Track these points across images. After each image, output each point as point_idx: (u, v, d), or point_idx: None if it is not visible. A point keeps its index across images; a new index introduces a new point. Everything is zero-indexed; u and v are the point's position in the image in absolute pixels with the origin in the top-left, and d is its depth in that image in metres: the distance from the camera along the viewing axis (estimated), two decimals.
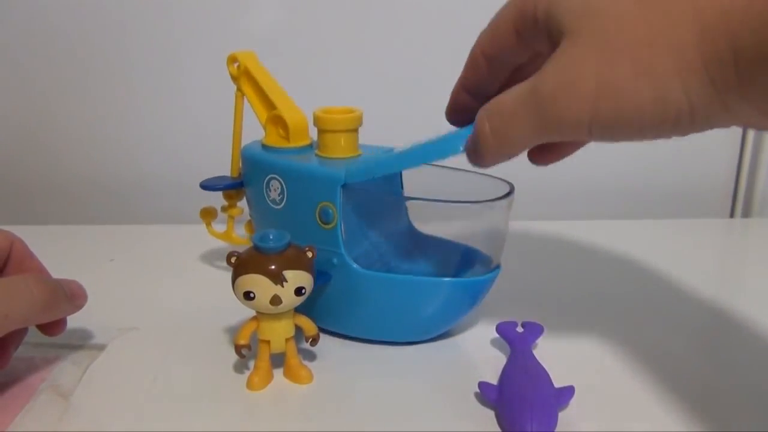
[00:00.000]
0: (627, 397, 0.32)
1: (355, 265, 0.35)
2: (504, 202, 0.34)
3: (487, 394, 0.31)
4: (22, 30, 0.59)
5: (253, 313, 0.33)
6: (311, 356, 0.36)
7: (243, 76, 0.40)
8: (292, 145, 0.38)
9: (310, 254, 0.33)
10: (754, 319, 0.40)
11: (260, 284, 0.31)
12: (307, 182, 0.35)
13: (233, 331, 0.38)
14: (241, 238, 0.44)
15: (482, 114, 0.28)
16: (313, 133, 0.38)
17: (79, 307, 0.34)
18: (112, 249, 0.51)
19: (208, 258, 0.49)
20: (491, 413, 0.31)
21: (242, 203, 0.43)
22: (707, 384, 0.34)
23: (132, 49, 0.59)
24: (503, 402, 0.30)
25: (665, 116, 0.24)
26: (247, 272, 0.31)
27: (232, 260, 0.32)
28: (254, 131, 0.40)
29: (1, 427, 0.30)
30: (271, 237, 0.32)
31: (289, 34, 0.58)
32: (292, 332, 0.33)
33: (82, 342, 0.37)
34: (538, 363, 0.33)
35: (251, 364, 0.34)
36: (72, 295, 0.33)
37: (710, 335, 0.38)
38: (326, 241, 0.35)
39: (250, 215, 0.42)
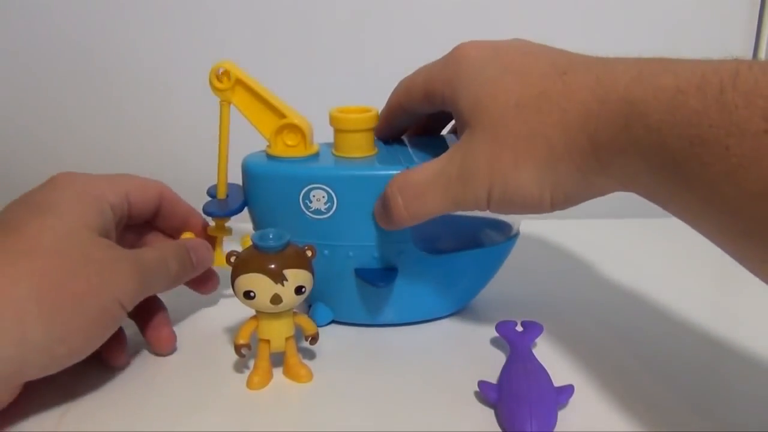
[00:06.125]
0: (626, 397, 0.32)
1: (422, 253, 0.36)
2: None
3: (487, 394, 0.31)
4: (23, 32, 0.59)
5: (252, 312, 0.33)
6: (311, 355, 0.36)
7: (236, 86, 0.37)
8: (308, 152, 0.37)
9: (309, 253, 0.33)
10: (754, 318, 0.40)
11: (260, 283, 0.31)
12: (366, 184, 0.35)
13: (233, 331, 0.38)
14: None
15: (393, 189, 0.33)
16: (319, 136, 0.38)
17: (201, 270, 0.38)
18: None
19: None
20: (491, 413, 0.31)
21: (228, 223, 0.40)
22: (707, 383, 0.34)
23: (134, 49, 0.59)
24: (503, 401, 0.30)
25: (541, 196, 0.29)
26: (247, 271, 0.31)
27: (232, 260, 0.32)
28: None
29: (1, 427, 0.30)
30: (270, 236, 0.32)
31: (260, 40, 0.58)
32: (291, 331, 0.33)
33: None
34: (538, 362, 0.33)
35: (251, 363, 0.34)
36: (198, 261, 0.37)
37: (710, 334, 0.38)
38: (391, 237, 0.35)
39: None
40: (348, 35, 0.58)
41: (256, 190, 0.37)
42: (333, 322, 0.40)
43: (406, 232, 0.36)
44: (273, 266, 0.31)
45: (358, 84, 0.54)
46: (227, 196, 0.39)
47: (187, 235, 0.39)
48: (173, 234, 0.40)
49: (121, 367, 0.35)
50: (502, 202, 0.30)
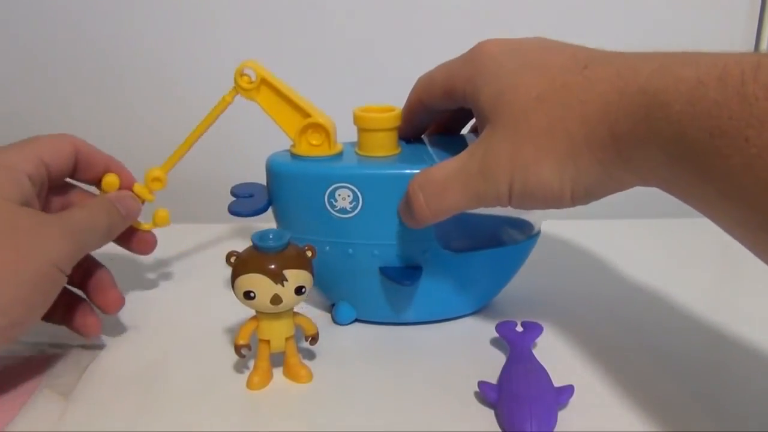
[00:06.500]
0: (626, 397, 0.32)
1: (446, 251, 0.37)
2: None
3: (486, 394, 0.31)
4: (23, 31, 0.59)
5: (252, 312, 0.33)
6: (311, 355, 0.36)
7: (261, 86, 0.37)
8: (332, 151, 0.37)
9: (309, 253, 0.33)
10: (753, 318, 0.40)
11: (260, 284, 0.31)
12: (391, 183, 0.35)
13: (233, 331, 0.38)
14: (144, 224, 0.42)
15: (415, 186, 0.33)
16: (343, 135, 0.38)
17: (132, 221, 0.39)
18: (112, 248, 0.51)
19: (208, 257, 0.49)
20: (491, 413, 0.31)
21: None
22: (707, 383, 0.34)
23: (144, 49, 0.59)
24: (503, 402, 0.30)
25: (562, 190, 0.29)
26: (247, 272, 0.31)
27: (232, 260, 0.32)
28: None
29: (0, 426, 0.30)
30: (270, 236, 0.32)
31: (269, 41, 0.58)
32: (291, 331, 0.33)
33: (81, 341, 0.37)
34: (538, 362, 0.33)
35: (251, 363, 0.34)
36: (127, 213, 0.37)
37: (710, 335, 0.38)
38: (415, 236, 0.35)
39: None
40: (371, 34, 0.58)
41: (281, 190, 0.37)
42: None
43: (430, 231, 0.36)
44: (273, 266, 0.31)
45: (380, 83, 0.55)
46: (252, 195, 0.39)
47: (109, 179, 0.39)
48: (97, 186, 0.39)
49: (97, 336, 0.35)
50: (523, 196, 0.30)
